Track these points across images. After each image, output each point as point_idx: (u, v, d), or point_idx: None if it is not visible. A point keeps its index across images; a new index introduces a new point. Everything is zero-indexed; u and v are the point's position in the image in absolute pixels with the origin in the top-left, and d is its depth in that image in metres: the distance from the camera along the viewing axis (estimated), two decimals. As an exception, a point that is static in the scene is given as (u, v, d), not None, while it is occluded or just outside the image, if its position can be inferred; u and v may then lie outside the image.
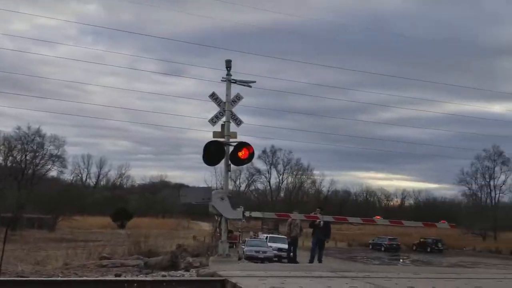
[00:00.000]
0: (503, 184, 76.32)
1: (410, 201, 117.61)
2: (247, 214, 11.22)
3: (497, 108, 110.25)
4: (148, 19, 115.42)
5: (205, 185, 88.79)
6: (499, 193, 77.51)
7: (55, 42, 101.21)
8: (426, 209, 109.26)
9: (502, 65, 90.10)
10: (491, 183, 77.10)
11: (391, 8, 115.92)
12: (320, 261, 15.38)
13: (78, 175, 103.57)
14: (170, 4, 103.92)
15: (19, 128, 62.61)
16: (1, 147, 64.62)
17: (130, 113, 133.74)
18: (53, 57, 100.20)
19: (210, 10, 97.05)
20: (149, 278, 8.97)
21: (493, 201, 78.09)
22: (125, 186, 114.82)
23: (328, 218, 15.17)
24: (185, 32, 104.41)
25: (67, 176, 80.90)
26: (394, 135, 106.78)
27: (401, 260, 40.55)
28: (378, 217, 11.04)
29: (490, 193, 77.73)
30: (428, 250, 52.54)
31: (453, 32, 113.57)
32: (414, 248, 55.46)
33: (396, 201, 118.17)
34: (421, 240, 56.34)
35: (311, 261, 15.28)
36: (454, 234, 76.58)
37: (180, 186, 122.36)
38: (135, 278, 9.55)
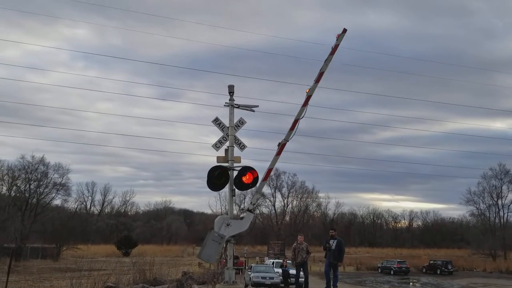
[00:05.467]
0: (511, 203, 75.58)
1: (418, 223, 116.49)
2: (251, 207, 11.12)
3: (499, 125, 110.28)
4: (137, 42, 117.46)
5: (210, 211, 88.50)
6: (508, 212, 76.61)
7: (47, 69, 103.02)
8: (435, 230, 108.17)
9: (501, 80, 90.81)
10: (499, 202, 76.29)
11: (385, 27, 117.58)
12: (335, 286, 14.91)
13: (83, 203, 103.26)
14: (158, 27, 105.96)
15: (22, 157, 62.81)
16: (5, 177, 64.70)
17: (127, 138, 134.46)
18: (46, 84, 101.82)
19: (199, 34, 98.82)
20: (154, 308, 8.77)
21: (502, 220, 77.09)
22: (129, 213, 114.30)
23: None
24: (174, 56, 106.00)
25: (71, 204, 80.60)
26: (396, 155, 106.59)
27: (411, 283, 39.77)
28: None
29: (499, 212, 76.82)
30: (438, 272, 51.63)
31: (448, 48, 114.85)
32: (424, 270, 54.53)
33: (404, 223, 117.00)
34: (431, 262, 55.42)
35: (327, 286, 14.84)
36: (464, 255, 75.42)
37: (185, 212, 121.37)
38: (140, 308, 9.35)
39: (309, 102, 10.94)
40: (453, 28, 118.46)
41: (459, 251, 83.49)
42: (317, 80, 11.02)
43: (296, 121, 10.86)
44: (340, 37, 10.97)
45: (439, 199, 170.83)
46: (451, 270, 51.93)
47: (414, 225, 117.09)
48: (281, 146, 10.90)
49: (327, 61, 10.96)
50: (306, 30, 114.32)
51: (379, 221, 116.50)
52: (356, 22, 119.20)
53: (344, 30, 10.99)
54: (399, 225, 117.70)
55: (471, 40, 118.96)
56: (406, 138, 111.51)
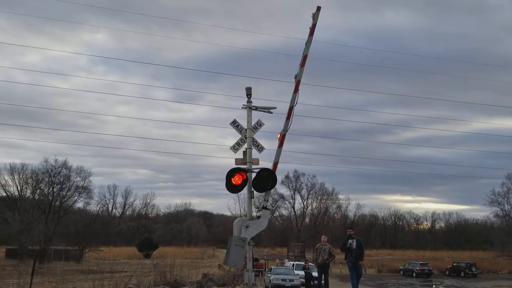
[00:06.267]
0: (537, 203, 73.75)
1: (441, 224, 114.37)
2: (265, 204, 11.13)
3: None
4: (156, 45, 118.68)
5: (229, 213, 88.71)
6: (533, 213, 74.78)
7: (68, 74, 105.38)
8: (458, 232, 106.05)
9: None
10: (524, 203, 74.53)
11: (403, 26, 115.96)
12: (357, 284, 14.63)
13: (104, 206, 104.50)
14: (176, 31, 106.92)
15: (46, 161, 63.71)
16: (29, 180, 65.97)
17: (146, 141, 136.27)
18: (67, 89, 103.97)
19: (215, 36, 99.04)
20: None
21: (528, 221, 75.30)
22: (150, 215, 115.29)
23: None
24: (192, 58, 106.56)
25: (93, 207, 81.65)
26: (419, 156, 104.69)
27: (434, 286, 39.12)
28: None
29: (524, 213, 75.05)
30: (462, 274, 50.63)
31: (469, 46, 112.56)
32: (447, 273, 53.55)
33: (426, 224, 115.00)
34: (454, 264, 54.42)
35: None
36: (488, 257, 73.78)
37: (204, 214, 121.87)
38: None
39: (299, 88, 10.91)
40: (473, 25, 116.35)
41: (483, 253, 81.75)
42: (302, 64, 11.02)
43: (290, 110, 10.85)
44: (315, 15, 10.89)
45: (462, 200, 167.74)
46: (475, 272, 50.88)
47: (437, 226, 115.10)
48: (282, 137, 10.98)
49: (308, 42, 10.94)
50: (322, 31, 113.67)
51: (400, 223, 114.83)
52: (373, 21, 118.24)
53: (318, 8, 10.91)
54: (421, 227, 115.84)
55: (492, 37, 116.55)
56: (429, 138, 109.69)
